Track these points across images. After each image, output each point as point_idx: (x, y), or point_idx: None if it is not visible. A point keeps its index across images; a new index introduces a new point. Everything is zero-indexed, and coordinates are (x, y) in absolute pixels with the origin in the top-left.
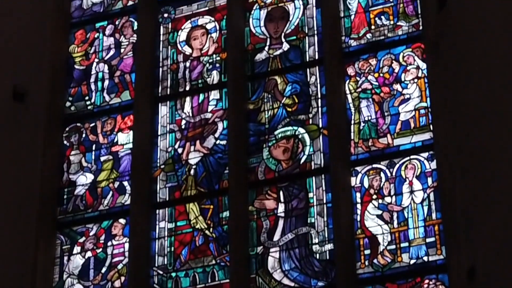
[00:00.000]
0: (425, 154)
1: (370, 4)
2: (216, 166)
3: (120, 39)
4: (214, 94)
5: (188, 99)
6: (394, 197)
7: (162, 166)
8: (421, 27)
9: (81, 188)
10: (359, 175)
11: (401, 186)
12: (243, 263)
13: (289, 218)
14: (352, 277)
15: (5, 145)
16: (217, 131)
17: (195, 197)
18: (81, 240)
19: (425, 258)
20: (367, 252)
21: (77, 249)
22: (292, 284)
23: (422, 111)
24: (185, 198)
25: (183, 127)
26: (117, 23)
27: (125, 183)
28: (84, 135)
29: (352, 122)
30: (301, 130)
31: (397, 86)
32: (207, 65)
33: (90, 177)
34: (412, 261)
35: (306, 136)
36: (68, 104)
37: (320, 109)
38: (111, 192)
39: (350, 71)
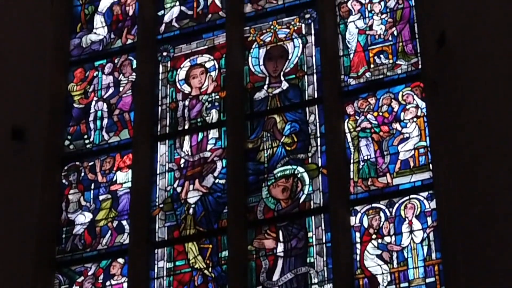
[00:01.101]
0: (425, 194)
1: (369, 43)
2: (215, 205)
3: (119, 77)
4: (213, 133)
5: (187, 137)
6: (393, 236)
7: (161, 205)
8: (420, 66)
9: (80, 227)
10: (359, 215)
11: (401, 226)
12: None
13: (288, 258)
14: None
15: (3, 183)
16: (216, 170)
17: (194, 236)
18: (79, 280)
19: None
20: None
21: None
22: None
23: (422, 150)
24: (184, 237)
25: (182, 166)
26: (116, 61)
27: (124, 222)
28: (82, 174)
29: (352, 161)
30: (300, 169)
31: (397, 125)
32: (206, 103)
33: (88, 216)
34: None
35: (305, 175)
36: (67, 142)
37: (319, 148)
38: (109, 231)
39: (349, 110)
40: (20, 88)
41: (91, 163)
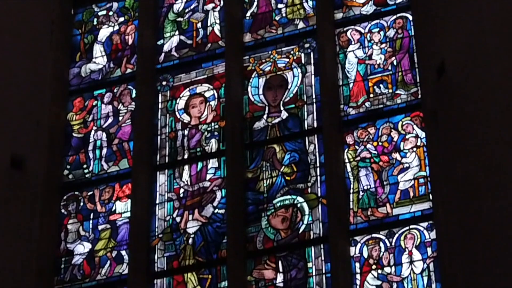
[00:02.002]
0: (425, 224)
1: (368, 73)
2: (214, 235)
3: (118, 107)
4: (213, 163)
5: (186, 167)
6: (393, 267)
7: (160, 235)
8: (419, 96)
9: (79, 258)
10: (358, 245)
11: (401, 256)
12: None
13: None
14: None
15: (2, 212)
16: (215, 199)
17: (193, 266)
18: None
19: None
20: None
21: None
22: None
23: (422, 180)
24: (183, 267)
25: (181, 195)
26: (115, 91)
27: (123, 252)
28: (82, 204)
29: (351, 191)
30: (300, 199)
31: (396, 155)
32: (206, 133)
33: (87, 246)
34: None
35: (305, 205)
36: (66, 172)
37: (319, 178)
38: (108, 262)
39: (349, 139)
40: (20, 117)
41: (90, 193)
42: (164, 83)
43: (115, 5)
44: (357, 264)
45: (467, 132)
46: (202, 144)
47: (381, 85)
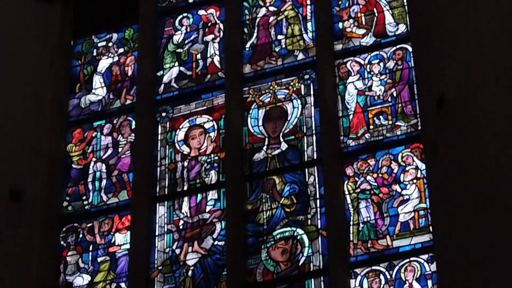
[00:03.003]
0: (425, 256)
1: (368, 104)
2: (214, 268)
3: (118, 138)
4: (212, 194)
5: (186, 199)
6: None
7: (160, 267)
8: (419, 127)
9: None
10: (359, 277)
11: None
12: None
13: None
14: None
15: (1, 244)
16: (215, 231)
17: None
18: None
19: None
20: None
21: None
22: None
23: (422, 212)
24: None
25: (181, 227)
26: (115, 122)
27: (122, 285)
28: (81, 236)
29: (351, 223)
30: (300, 231)
31: (396, 187)
32: (205, 164)
33: (87, 278)
34: None
35: (305, 237)
36: (65, 203)
37: (319, 209)
38: None
39: (349, 171)
40: (19, 148)
41: (89, 225)
42: (163, 114)
43: (115, 36)
44: None
45: (467, 164)
46: (202, 176)
47: (381, 117)
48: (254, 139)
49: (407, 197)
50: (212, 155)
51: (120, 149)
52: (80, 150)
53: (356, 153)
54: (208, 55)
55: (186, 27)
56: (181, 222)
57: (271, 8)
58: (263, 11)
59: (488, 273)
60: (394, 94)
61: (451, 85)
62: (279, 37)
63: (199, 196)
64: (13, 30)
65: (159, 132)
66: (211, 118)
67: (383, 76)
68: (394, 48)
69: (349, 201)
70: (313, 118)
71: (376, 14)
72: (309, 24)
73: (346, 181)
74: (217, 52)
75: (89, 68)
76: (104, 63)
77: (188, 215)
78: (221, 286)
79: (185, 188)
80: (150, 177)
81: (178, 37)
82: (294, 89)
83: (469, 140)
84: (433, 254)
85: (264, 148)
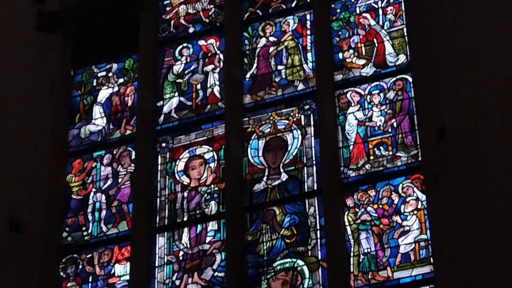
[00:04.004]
0: None
1: (368, 135)
2: None
3: (117, 168)
4: (212, 225)
5: (186, 230)
6: None
7: None
8: (420, 158)
9: None
10: None
11: None
12: None
13: None
14: None
15: (1, 275)
16: (215, 262)
17: None
18: None
19: None
20: None
21: None
22: None
23: (422, 244)
24: None
25: (180, 258)
26: (115, 152)
27: None
28: (80, 267)
29: (352, 254)
30: (300, 262)
31: (397, 218)
32: (205, 195)
33: None
34: None
35: (305, 268)
36: (64, 234)
37: (319, 240)
38: None
39: (349, 202)
40: (18, 179)
41: (89, 256)
42: (163, 144)
43: (115, 66)
44: None
45: (468, 195)
46: (202, 207)
47: (381, 147)
48: (254, 169)
49: (407, 228)
50: (212, 186)
51: (120, 180)
52: (80, 180)
53: (357, 184)
54: (208, 85)
55: (186, 57)
56: (181, 253)
57: (271, 39)
58: (263, 41)
59: None
60: (395, 124)
61: (452, 116)
62: (279, 67)
63: (199, 227)
64: (13, 59)
65: (159, 162)
66: (211, 148)
67: (383, 107)
68: (394, 78)
69: (349, 232)
70: (313, 149)
71: (376, 45)
72: (309, 55)
73: (347, 212)
74: (217, 82)
75: (89, 98)
76: (104, 93)
77: (188, 246)
78: None
79: (185, 219)
80: (150, 207)
81: (178, 67)
82: (294, 119)
83: (470, 171)
84: (434, 285)
85: (264, 178)
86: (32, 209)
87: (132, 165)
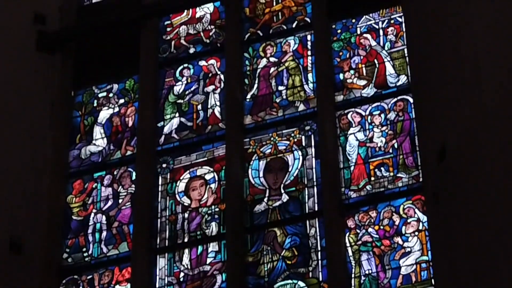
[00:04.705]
0: None
1: (369, 156)
2: None
3: (118, 189)
4: (213, 246)
5: (186, 251)
6: None
7: None
8: (421, 179)
9: None
10: None
11: None
12: None
13: None
14: None
15: None
16: (215, 284)
17: None
18: None
19: None
20: None
21: None
22: None
23: (424, 265)
24: None
25: (181, 279)
26: (115, 173)
27: None
28: None
29: (353, 275)
30: (301, 283)
31: (398, 239)
32: (206, 216)
33: None
34: None
35: None
36: (65, 255)
37: (320, 262)
38: None
39: (350, 223)
40: (18, 200)
41: (89, 277)
42: (164, 165)
43: (115, 86)
44: None
45: (469, 216)
46: (203, 228)
47: (382, 168)
48: (255, 190)
49: (409, 249)
50: (213, 207)
51: (120, 201)
52: (80, 201)
53: (357, 205)
54: (209, 106)
55: (186, 77)
56: (182, 274)
57: (272, 59)
58: (263, 62)
59: None
60: (395, 145)
61: (453, 137)
62: (280, 88)
63: (200, 248)
64: (13, 79)
65: (160, 183)
66: (211, 169)
67: (384, 128)
68: (395, 99)
69: (350, 253)
70: (314, 170)
71: (377, 65)
72: (310, 75)
73: (348, 233)
74: (218, 103)
75: (90, 118)
76: (104, 114)
77: (189, 267)
78: None
79: (186, 240)
80: (151, 228)
81: (178, 88)
82: (295, 140)
83: (471, 192)
84: None
85: (265, 199)
86: (33, 230)
87: (133, 186)
